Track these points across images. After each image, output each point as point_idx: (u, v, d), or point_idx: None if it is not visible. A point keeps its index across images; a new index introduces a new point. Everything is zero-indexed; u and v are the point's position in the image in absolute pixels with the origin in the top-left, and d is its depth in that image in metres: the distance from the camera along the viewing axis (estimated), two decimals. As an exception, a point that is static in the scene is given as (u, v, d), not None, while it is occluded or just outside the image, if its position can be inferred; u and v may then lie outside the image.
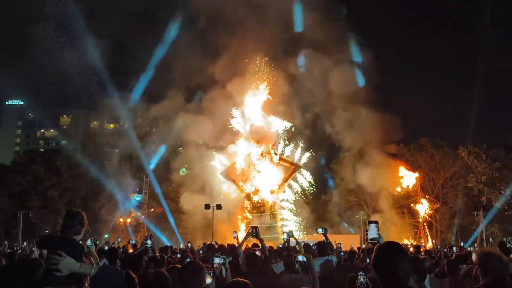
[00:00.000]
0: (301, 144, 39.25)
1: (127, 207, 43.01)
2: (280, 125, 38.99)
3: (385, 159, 41.81)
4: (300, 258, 5.85)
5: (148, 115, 56.51)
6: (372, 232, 3.91)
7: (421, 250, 13.75)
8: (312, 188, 39.44)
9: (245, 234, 8.60)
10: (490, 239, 35.68)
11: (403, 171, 42.87)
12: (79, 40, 42.69)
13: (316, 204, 45.70)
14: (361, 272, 4.65)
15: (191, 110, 40.92)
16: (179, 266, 5.27)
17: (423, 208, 42.27)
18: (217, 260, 5.28)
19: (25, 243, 26.13)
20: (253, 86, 39.46)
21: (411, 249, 15.75)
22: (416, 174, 42.46)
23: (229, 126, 39.52)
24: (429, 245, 32.89)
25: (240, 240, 8.95)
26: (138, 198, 44.66)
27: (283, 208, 38.51)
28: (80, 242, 4.19)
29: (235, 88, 39.23)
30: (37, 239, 9.54)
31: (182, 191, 41.03)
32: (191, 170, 41.91)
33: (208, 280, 4.18)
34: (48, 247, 3.88)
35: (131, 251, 10.66)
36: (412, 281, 2.87)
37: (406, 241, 35.71)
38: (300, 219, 39.14)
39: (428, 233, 42.01)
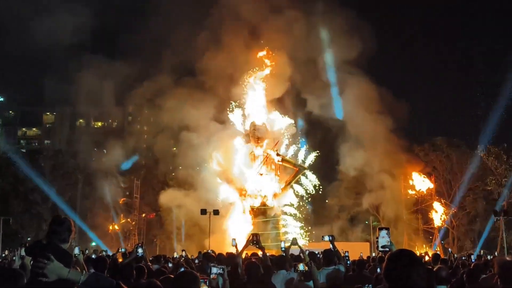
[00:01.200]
0: (305, 144, 39.25)
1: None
2: (282, 122, 39.05)
3: (398, 159, 41.91)
4: (301, 267, 5.83)
5: (141, 113, 56.54)
6: (383, 240, 3.87)
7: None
8: (315, 191, 39.35)
9: (245, 241, 8.59)
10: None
11: (416, 174, 42.98)
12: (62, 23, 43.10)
13: (321, 209, 45.76)
14: (368, 285, 4.65)
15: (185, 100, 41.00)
16: (172, 276, 5.28)
17: (438, 213, 42.23)
18: (214, 270, 5.27)
19: (6, 252, 26.12)
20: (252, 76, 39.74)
21: (426, 257, 15.79)
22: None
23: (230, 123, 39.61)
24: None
25: (240, 248, 8.94)
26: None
27: (285, 213, 38.47)
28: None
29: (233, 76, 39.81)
30: (19, 246, 9.54)
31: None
32: (185, 170, 41.91)
33: None
34: (34, 255, 3.88)
35: (121, 260, 10.67)
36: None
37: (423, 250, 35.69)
38: (303, 225, 39.15)
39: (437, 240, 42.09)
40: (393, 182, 42.37)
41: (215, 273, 5.23)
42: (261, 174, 36.73)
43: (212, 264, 5.91)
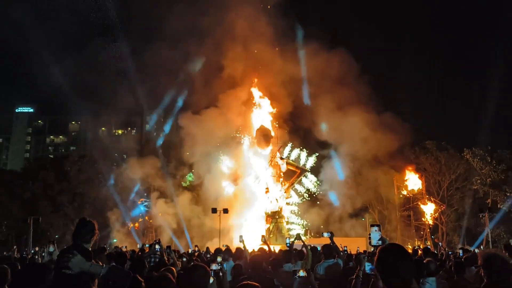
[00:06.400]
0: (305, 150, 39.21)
1: (134, 214, 43.20)
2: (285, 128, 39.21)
3: (391, 162, 41.79)
4: (301, 274, 5.84)
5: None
6: (375, 236, 3.86)
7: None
8: (316, 190, 39.23)
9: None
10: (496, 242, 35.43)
11: (409, 174, 42.89)
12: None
13: (321, 207, 45.58)
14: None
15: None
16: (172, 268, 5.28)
17: (429, 210, 42.09)
18: (213, 267, 5.25)
19: (36, 248, 26.25)
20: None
21: (419, 252, 15.68)
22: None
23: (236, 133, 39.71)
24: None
25: (246, 245, 8.99)
26: (146, 203, 44.65)
27: (289, 211, 38.40)
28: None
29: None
30: (47, 243, 9.66)
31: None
32: (197, 173, 41.99)
33: (210, 280, 4.21)
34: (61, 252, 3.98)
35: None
36: (415, 282, 2.87)
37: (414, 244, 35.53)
38: (306, 222, 39.04)
39: (427, 235, 41.89)
40: (387, 183, 42.33)
41: (214, 269, 5.17)
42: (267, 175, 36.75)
43: (212, 257, 5.91)
